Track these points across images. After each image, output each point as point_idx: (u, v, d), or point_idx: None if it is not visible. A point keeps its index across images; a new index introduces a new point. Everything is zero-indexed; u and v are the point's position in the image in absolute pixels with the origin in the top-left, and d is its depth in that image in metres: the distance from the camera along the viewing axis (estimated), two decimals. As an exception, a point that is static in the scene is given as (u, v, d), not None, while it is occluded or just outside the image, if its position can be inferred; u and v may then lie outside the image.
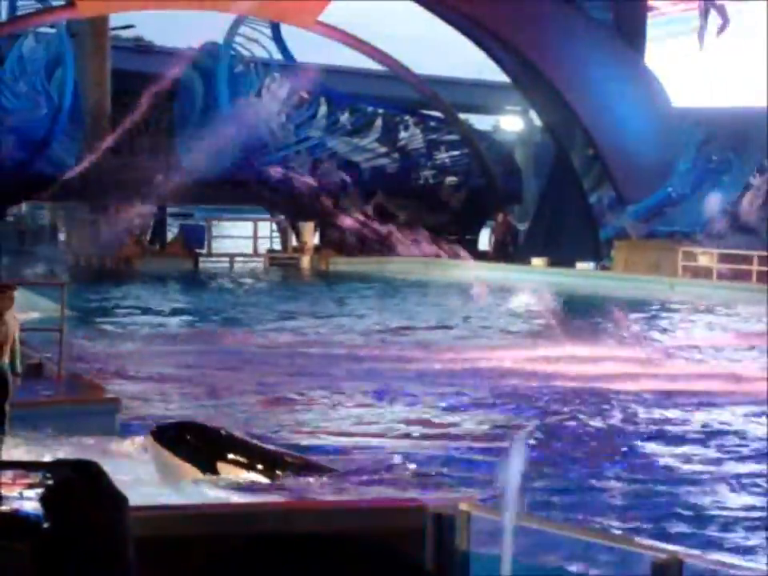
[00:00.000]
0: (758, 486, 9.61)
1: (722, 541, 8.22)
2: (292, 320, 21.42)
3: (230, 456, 9.18)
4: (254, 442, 9.74)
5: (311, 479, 9.24)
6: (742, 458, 10.72)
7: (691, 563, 5.23)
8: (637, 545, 5.75)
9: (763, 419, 12.66)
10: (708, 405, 13.37)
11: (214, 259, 33.91)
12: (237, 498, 8.42)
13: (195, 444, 9.24)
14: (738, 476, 10.03)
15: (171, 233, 35.58)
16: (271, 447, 9.74)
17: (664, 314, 23.62)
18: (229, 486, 8.95)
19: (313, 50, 38.27)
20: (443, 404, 13.14)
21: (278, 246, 35.51)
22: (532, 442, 11.01)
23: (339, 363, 15.91)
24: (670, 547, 5.49)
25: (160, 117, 34.73)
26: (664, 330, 21.30)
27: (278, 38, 34.92)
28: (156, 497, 7.91)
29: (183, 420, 10.32)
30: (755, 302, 24.64)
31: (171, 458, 9.10)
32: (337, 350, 17.27)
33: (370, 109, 36.05)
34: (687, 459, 10.70)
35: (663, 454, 10.93)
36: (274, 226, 36.14)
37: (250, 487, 8.97)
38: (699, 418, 12.74)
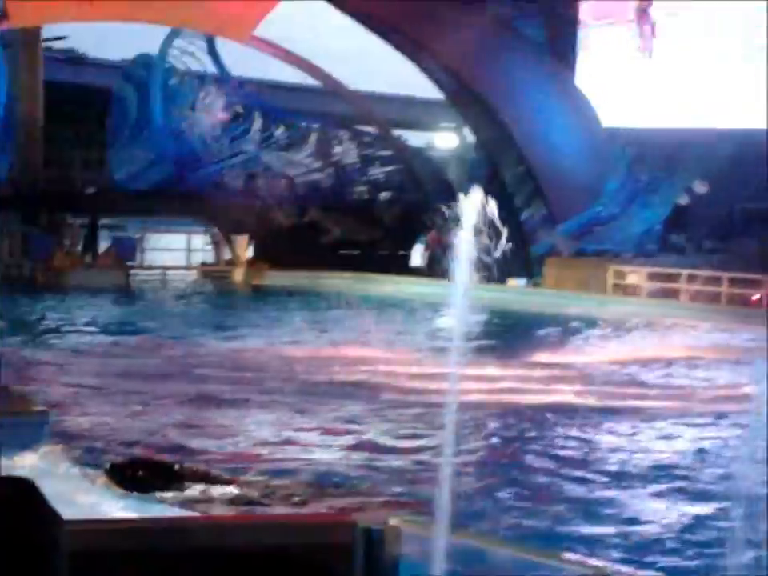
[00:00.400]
0: (663, 504, 9.73)
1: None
2: (221, 332, 21.36)
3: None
4: (210, 472, 9.75)
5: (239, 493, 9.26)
6: (657, 476, 10.85)
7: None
8: (564, 560, 5.85)
9: (681, 433, 12.85)
10: (631, 420, 13.52)
11: (146, 272, 33.72)
12: (169, 513, 8.42)
13: (148, 480, 9.32)
14: (648, 494, 10.16)
15: (103, 245, 35.33)
16: (226, 476, 9.75)
17: (593, 331, 23.83)
18: (161, 501, 8.94)
19: (248, 64, 38.29)
20: (363, 419, 13.18)
21: (211, 260, 35.41)
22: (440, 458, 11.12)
23: (266, 376, 15.91)
24: (597, 563, 5.58)
25: (93, 129, 34.56)
26: (592, 347, 21.51)
27: (212, 51, 34.88)
28: (86, 509, 7.89)
29: (137, 457, 10.34)
30: (683, 319, 25.01)
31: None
32: (266, 362, 17.26)
33: (304, 124, 36.11)
34: (605, 476, 10.82)
35: (579, 469, 11.05)
36: (208, 239, 36.04)
37: (183, 503, 8.97)
38: (623, 433, 12.89)
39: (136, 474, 9.38)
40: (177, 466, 9.62)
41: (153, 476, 9.38)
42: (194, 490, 9.18)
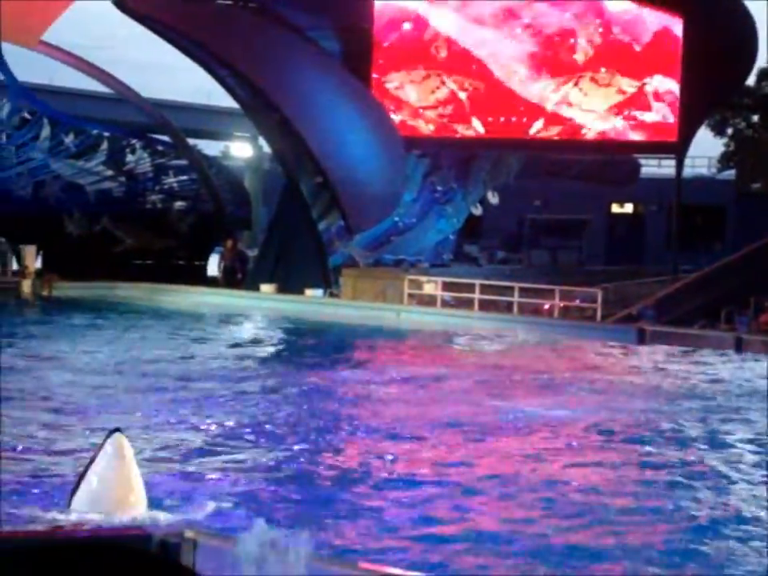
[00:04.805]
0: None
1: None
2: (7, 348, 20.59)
3: None
4: None
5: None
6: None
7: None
8: (355, 567, 5.76)
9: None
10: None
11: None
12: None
13: None
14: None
15: None
16: None
17: (387, 342, 23.93)
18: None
19: (36, 70, 37.29)
20: (167, 430, 12.90)
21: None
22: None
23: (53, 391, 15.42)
24: (387, 569, 5.52)
25: None
26: (390, 355, 21.62)
27: (-2, 55, 33.77)
28: None
29: None
30: (477, 328, 25.40)
31: None
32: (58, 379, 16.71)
33: (95, 131, 35.28)
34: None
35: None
36: (-7, 250, 34.81)
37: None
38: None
39: None
40: None
41: None
42: None
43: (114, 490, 8.55)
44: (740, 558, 8.68)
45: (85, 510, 8.55)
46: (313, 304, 29.44)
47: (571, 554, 8.59)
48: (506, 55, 33.35)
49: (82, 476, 8.78)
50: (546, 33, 33.19)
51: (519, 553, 8.58)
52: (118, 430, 8.75)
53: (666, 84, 32.72)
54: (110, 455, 8.54)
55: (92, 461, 8.73)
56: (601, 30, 32.99)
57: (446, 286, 29.14)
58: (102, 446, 8.67)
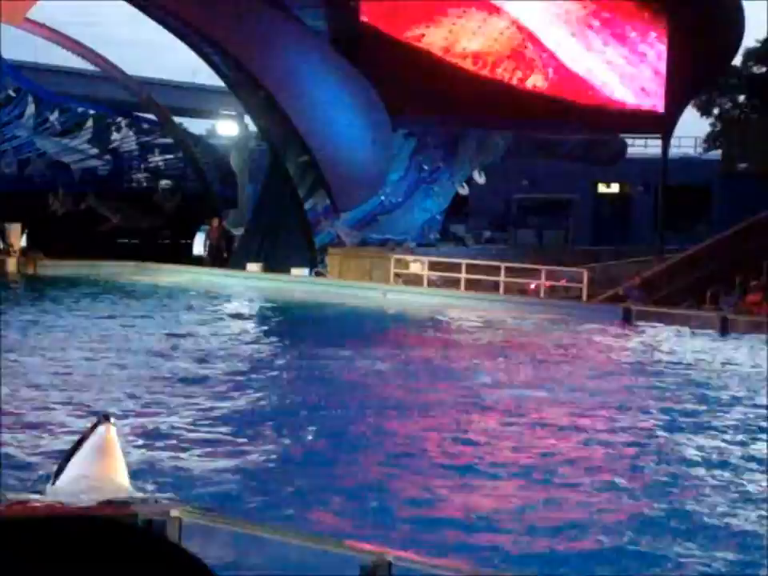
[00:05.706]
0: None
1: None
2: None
3: None
4: None
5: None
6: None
7: (400, 564, 5.27)
8: (345, 547, 5.76)
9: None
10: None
11: None
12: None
13: None
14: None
15: None
16: None
17: (374, 321, 23.93)
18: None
19: (21, 47, 37.10)
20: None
21: (-18, 249, 34.08)
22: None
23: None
24: (378, 549, 5.51)
25: None
26: (376, 334, 21.62)
27: (-18, 33, 33.59)
28: None
29: None
30: (463, 308, 25.41)
31: None
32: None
33: (80, 109, 35.14)
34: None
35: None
36: (-22, 228, 34.68)
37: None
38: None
39: None
40: None
41: None
42: None
43: (99, 477, 8.51)
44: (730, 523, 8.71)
45: (68, 491, 8.54)
46: (299, 283, 29.38)
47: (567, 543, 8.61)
48: (501, 29, 33.32)
49: (67, 459, 8.73)
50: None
51: (513, 533, 8.60)
52: (106, 417, 8.68)
53: (655, 64, 32.71)
54: (97, 441, 8.48)
55: (79, 444, 8.68)
56: (593, 8, 32.99)
57: (433, 266, 29.12)
58: (89, 431, 8.61)
